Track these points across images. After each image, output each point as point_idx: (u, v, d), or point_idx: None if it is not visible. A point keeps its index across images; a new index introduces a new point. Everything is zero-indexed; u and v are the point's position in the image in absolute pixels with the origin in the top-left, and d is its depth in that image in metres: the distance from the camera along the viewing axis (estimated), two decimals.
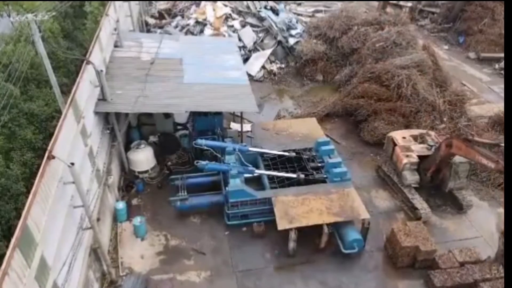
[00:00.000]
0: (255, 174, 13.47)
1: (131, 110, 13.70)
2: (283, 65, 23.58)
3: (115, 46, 17.55)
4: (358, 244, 12.23)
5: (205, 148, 13.63)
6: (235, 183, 12.77)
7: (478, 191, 15.21)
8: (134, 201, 14.57)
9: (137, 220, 13.06)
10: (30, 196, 7.73)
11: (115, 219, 13.62)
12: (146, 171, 15.29)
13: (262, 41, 24.38)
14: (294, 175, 13.65)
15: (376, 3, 29.10)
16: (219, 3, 27.32)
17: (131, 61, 16.65)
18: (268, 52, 23.61)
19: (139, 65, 16.49)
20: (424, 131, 15.59)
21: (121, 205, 13.54)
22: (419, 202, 13.89)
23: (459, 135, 16.67)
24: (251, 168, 13.30)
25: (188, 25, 25.59)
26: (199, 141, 13.68)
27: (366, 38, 19.84)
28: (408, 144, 14.86)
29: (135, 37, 18.87)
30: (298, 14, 28.45)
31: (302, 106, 20.29)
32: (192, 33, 25.11)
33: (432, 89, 18.14)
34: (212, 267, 12.29)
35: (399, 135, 15.37)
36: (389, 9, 27.75)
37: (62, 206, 9.26)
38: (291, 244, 12.27)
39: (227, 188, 12.82)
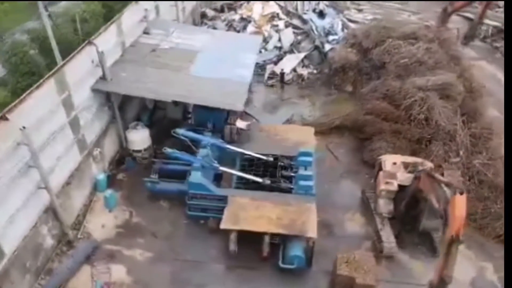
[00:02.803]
0: (219, 171, 13.67)
1: (121, 91, 14.80)
2: (315, 71, 23.04)
3: (144, 32, 18.93)
4: (298, 261, 11.81)
5: (182, 137, 14.19)
6: (195, 176, 13.17)
7: (468, 237, 13.46)
8: (119, 176, 15.76)
9: (108, 192, 14.21)
10: None
11: (96, 188, 14.90)
12: (139, 151, 16.37)
13: (299, 43, 24.12)
14: (260, 180, 13.56)
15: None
16: (271, 2, 27.61)
17: (150, 47, 17.81)
18: (301, 55, 23.29)
19: (156, 52, 17.58)
20: (420, 160, 14.21)
21: (101, 176, 14.79)
22: (386, 234, 12.84)
23: (468, 174, 14.98)
24: (215, 164, 13.53)
25: (233, 20, 26.32)
26: (178, 130, 14.29)
27: (396, 52, 18.49)
28: (394, 170, 13.72)
29: (166, 27, 20.03)
30: (353, 21, 27.38)
31: (318, 115, 19.71)
32: (235, 29, 25.80)
33: (455, 117, 16.35)
34: (158, 251, 12.90)
35: (390, 160, 14.25)
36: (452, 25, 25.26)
37: (15, 163, 10.58)
38: (232, 246, 12.30)
39: (187, 179, 13.27)
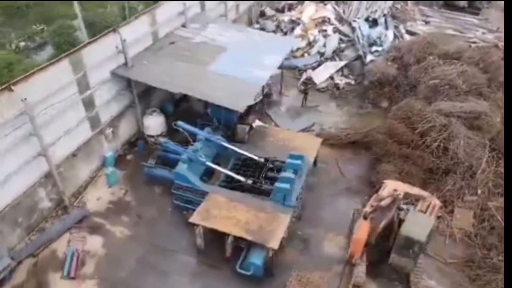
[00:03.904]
0: (205, 166, 13.93)
1: (137, 78, 15.76)
2: (353, 82, 22.11)
3: (182, 26, 19.88)
4: (254, 268, 11.68)
5: (181, 130, 14.77)
6: (181, 167, 13.63)
7: (452, 276, 12.12)
8: (129, 157, 16.88)
9: (109, 169, 15.35)
10: None
11: (104, 164, 16.16)
12: (152, 136, 17.35)
13: (342, 51, 23.28)
14: (243, 179, 13.57)
15: None
16: (328, 5, 27.01)
17: (181, 39, 18.66)
18: (340, 64, 22.48)
19: (185, 45, 18.38)
20: (426, 193, 12.94)
21: (109, 154, 16.00)
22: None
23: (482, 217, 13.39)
24: (202, 158, 13.84)
25: (282, 21, 26.25)
26: (179, 122, 14.90)
27: (432, 71, 16.99)
28: (389, 197, 12.75)
29: (205, 22, 20.74)
30: (413, 33, 25.59)
31: (341, 127, 18.93)
32: (282, 30, 25.74)
33: (482, 152, 14.62)
34: (137, 231, 13.67)
35: (393, 186, 13.23)
36: None
37: (17, 130, 12.01)
38: (198, 241, 12.58)
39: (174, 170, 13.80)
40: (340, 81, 22.16)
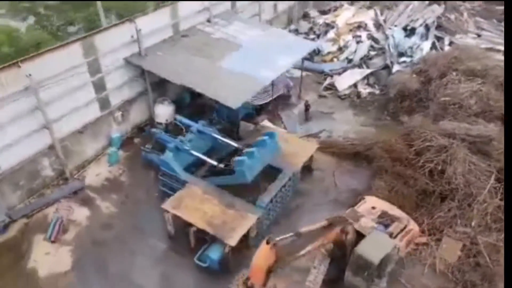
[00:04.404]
0: (192, 156, 14.30)
1: (147, 68, 16.60)
2: (377, 91, 21.22)
3: (207, 21, 20.51)
4: (210, 262, 11.95)
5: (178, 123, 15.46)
6: (167, 155, 14.22)
7: None
8: (136, 140, 17.92)
9: (112, 149, 16.47)
10: None
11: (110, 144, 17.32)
12: (161, 124, 18.22)
13: (370, 59, 22.42)
14: (215, 163, 13.82)
15: None
16: (370, 10, 26.15)
17: (201, 34, 19.30)
18: (366, 72, 21.70)
19: (203, 40, 18.98)
20: (405, 216, 12.25)
21: (116, 135, 17.12)
22: (316, 273, 11.68)
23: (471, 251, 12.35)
24: (187, 147, 14.27)
25: (317, 24, 25.84)
26: (177, 116, 15.61)
27: (449, 87, 15.81)
28: (363, 214, 12.23)
29: (230, 19, 21.14)
30: None
31: (351, 137, 18.31)
32: (314, 33, 25.36)
33: (486, 180, 13.40)
34: (121, 210, 14.58)
35: (372, 203, 12.75)
36: None
37: (23, 104, 13.41)
38: (168, 227, 13.11)
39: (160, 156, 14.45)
40: (364, 89, 21.40)
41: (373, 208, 12.48)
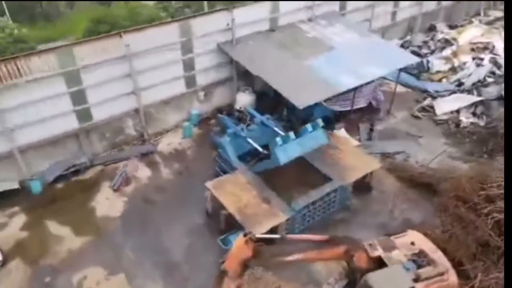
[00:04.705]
0: (246, 141, 14.70)
1: (233, 55, 17.44)
2: (482, 123, 18.53)
3: (309, 19, 20.52)
4: (230, 246, 12.21)
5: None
6: (225, 139, 14.90)
7: None
8: (212, 121, 19.10)
9: (187, 124, 17.93)
10: None
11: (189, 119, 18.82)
12: (239, 111, 19.06)
13: (486, 86, 19.59)
14: (260, 148, 14.14)
15: None
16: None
17: (296, 31, 19.41)
18: (475, 99, 19.11)
19: (297, 37, 19.07)
20: (446, 264, 10.65)
21: (195, 112, 18.56)
22: None
23: None
24: (244, 134, 14.71)
25: (437, 40, 23.53)
26: (247, 106, 16.31)
27: None
28: (398, 246, 11.07)
29: (334, 21, 20.68)
30: None
31: (426, 165, 16.46)
32: (429, 48, 23.18)
33: None
34: (175, 179, 15.82)
35: (412, 238, 11.40)
36: None
37: (119, 69, 15.53)
38: (207, 205, 13.82)
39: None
40: (466, 118, 18.92)
41: (412, 244, 11.14)
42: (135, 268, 12.42)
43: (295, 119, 17.39)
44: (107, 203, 14.70)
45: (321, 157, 14.82)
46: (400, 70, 18.58)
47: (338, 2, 21.69)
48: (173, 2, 22.87)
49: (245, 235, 8.02)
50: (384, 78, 21.59)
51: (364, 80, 16.87)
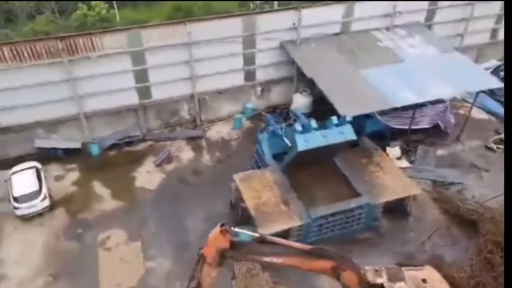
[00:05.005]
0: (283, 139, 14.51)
1: (293, 55, 17.31)
2: None
3: (386, 28, 19.43)
4: (239, 238, 12.38)
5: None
6: (263, 135, 14.98)
7: None
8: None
9: (238, 116, 18.43)
10: None
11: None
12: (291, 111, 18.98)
13: None
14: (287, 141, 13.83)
15: None
16: None
17: (367, 38, 18.55)
18: None
19: (366, 44, 18.22)
20: None
21: (249, 106, 18.97)
22: None
23: None
24: (281, 133, 14.51)
25: None
26: (295, 109, 16.22)
27: None
28: (407, 280, 10.17)
29: (414, 33, 19.23)
30: None
31: (481, 202, 14.59)
32: None
33: None
34: (214, 166, 16.54)
35: (426, 274, 10.32)
36: None
37: (180, 55, 16.55)
38: (231, 196, 14.13)
39: None
40: None
41: (424, 281, 10.11)
42: (152, 240, 13.28)
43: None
44: (147, 176, 15.89)
45: (358, 170, 14.14)
46: (487, 95, 16.65)
47: (424, 11, 20.13)
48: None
49: (222, 225, 8.08)
50: (464, 100, 19.64)
51: (426, 98, 15.56)
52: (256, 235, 8.30)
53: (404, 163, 16.74)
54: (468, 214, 13.72)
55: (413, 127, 17.29)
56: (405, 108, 16.45)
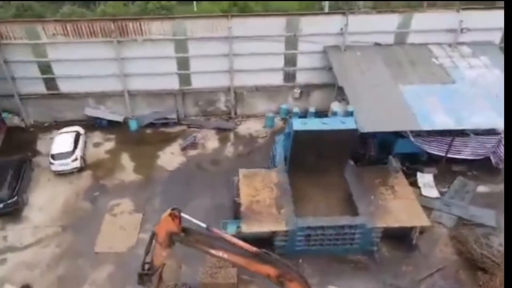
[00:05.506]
0: None
1: (333, 64, 16.65)
2: None
3: (449, 45, 17.73)
4: (225, 230, 12.62)
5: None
6: (279, 137, 15.00)
7: None
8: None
9: (271, 115, 18.53)
10: None
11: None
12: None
13: None
14: None
15: None
16: None
17: (422, 53, 17.18)
18: None
19: (417, 59, 16.89)
20: None
21: (284, 106, 18.94)
22: None
23: None
24: None
25: None
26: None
27: None
28: None
29: (482, 53, 17.17)
30: None
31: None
32: None
33: None
34: (233, 159, 16.89)
35: None
36: None
37: (220, 48, 17.14)
38: (235, 189, 14.35)
39: None
40: None
41: None
42: (152, 215, 14.11)
43: (374, 142, 15.80)
44: (170, 157, 16.90)
45: (367, 189, 13.37)
46: None
47: (500, 31, 17.88)
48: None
49: (173, 209, 8.41)
50: None
51: (465, 126, 14.06)
52: (203, 225, 8.46)
53: (434, 192, 15.27)
54: (481, 261, 12.13)
55: (451, 155, 15.64)
56: (443, 134, 15.00)
